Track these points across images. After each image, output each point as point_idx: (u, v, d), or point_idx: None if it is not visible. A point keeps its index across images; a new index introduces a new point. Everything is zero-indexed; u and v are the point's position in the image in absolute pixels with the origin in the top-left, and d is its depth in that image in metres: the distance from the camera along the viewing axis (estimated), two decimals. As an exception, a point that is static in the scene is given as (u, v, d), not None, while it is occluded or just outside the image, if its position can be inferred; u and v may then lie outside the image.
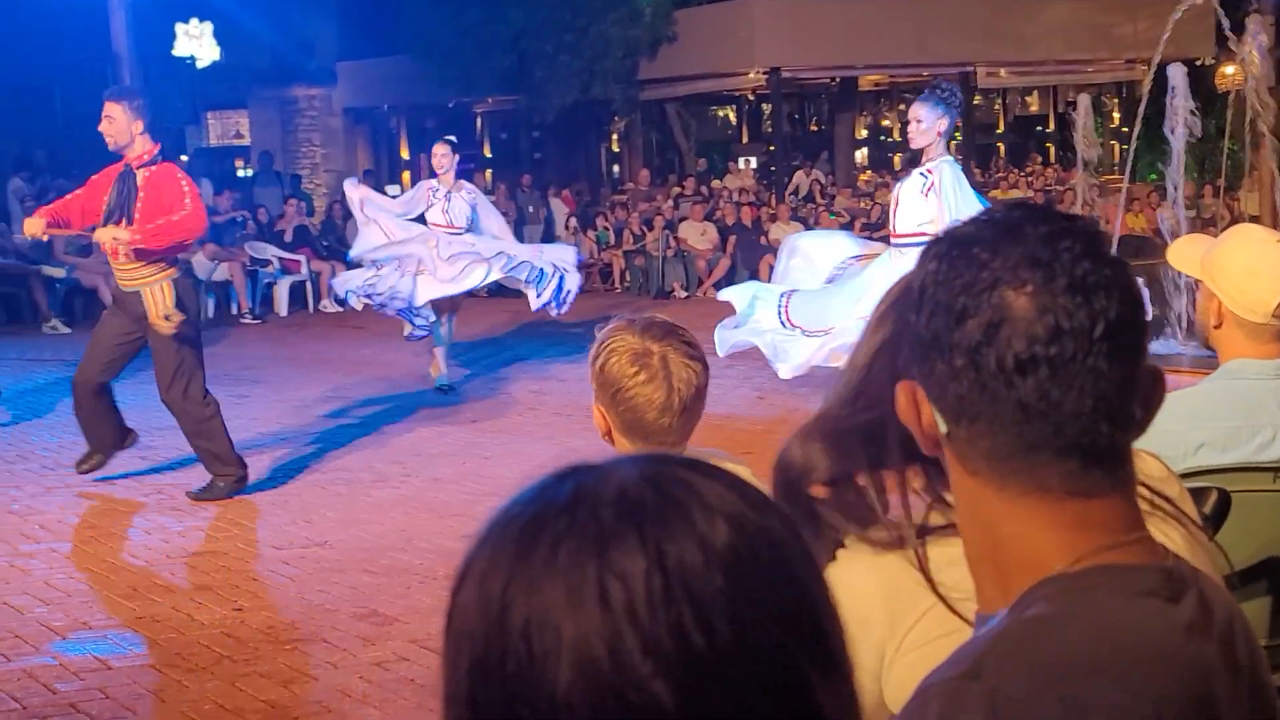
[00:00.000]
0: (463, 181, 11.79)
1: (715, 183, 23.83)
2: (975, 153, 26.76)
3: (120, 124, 7.86)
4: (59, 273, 16.67)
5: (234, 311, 17.59)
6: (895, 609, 1.68)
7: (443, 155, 11.59)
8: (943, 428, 1.25)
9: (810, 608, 0.91)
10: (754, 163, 26.76)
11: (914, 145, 7.87)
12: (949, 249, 1.24)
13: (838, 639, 0.92)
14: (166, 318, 7.78)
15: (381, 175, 27.86)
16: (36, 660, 5.42)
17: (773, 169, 24.69)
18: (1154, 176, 20.81)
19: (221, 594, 6.16)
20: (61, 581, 6.41)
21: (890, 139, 31.17)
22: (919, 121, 7.70)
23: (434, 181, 11.62)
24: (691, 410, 2.68)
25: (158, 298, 7.78)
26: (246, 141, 27.23)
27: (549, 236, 21.81)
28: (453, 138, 12.30)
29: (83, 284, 16.91)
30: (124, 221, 7.84)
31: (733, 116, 30.56)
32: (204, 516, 7.52)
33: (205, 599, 6.09)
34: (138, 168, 7.91)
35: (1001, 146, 29.40)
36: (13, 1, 17.01)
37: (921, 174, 7.83)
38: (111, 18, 17.15)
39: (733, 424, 9.28)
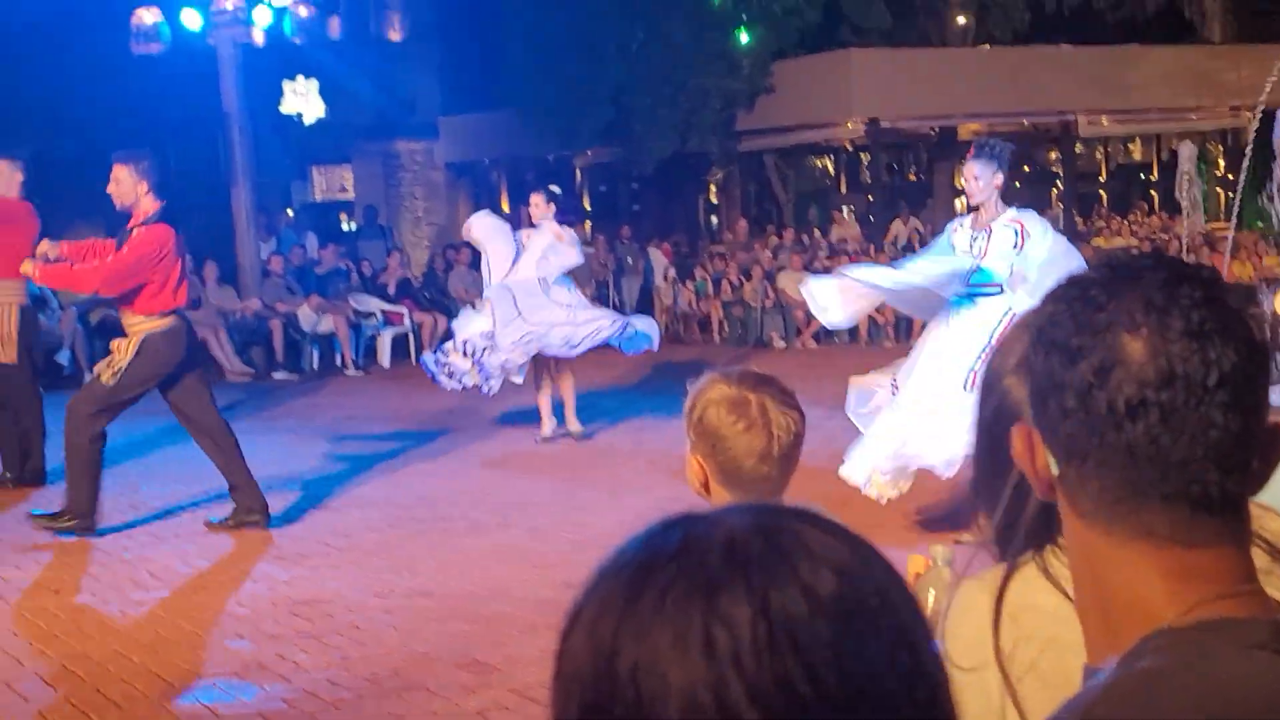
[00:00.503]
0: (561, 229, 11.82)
1: (816, 233, 23.84)
2: (1077, 201, 26.57)
3: (126, 186, 8.23)
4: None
5: (337, 363, 17.85)
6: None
7: (537, 205, 11.70)
8: (1054, 469, 1.25)
9: (916, 659, 0.91)
10: (848, 213, 26.76)
11: (974, 201, 7.95)
12: (1068, 291, 1.24)
13: (944, 690, 0.93)
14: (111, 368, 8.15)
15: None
16: (147, 708, 5.53)
17: (871, 218, 24.68)
18: (1259, 224, 20.53)
19: (326, 642, 6.26)
20: (170, 630, 6.54)
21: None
22: (976, 178, 7.80)
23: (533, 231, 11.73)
24: (790, 457, 2.69)
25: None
26: (351, 196, 27.69)
27: (647, 287, 21.96)
28: (555, 188, 12.40)
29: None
30: None
31: (831, 167, 30.60)
32: (309, 565, 7.65)
33: (310, 647, 6.19)
34: (135, 226, 8.25)
35: (1104, 194, 29.14)
36: (126, 63, 17.47)
37: (1012, 229, 7.84)
38: (221, 77, 17.58)
39: (830, 478, 9.26)
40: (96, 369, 8.44)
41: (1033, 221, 7.89)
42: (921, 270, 8.16)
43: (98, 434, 8.30)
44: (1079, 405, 1.20)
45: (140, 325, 8.30)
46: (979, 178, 7.76)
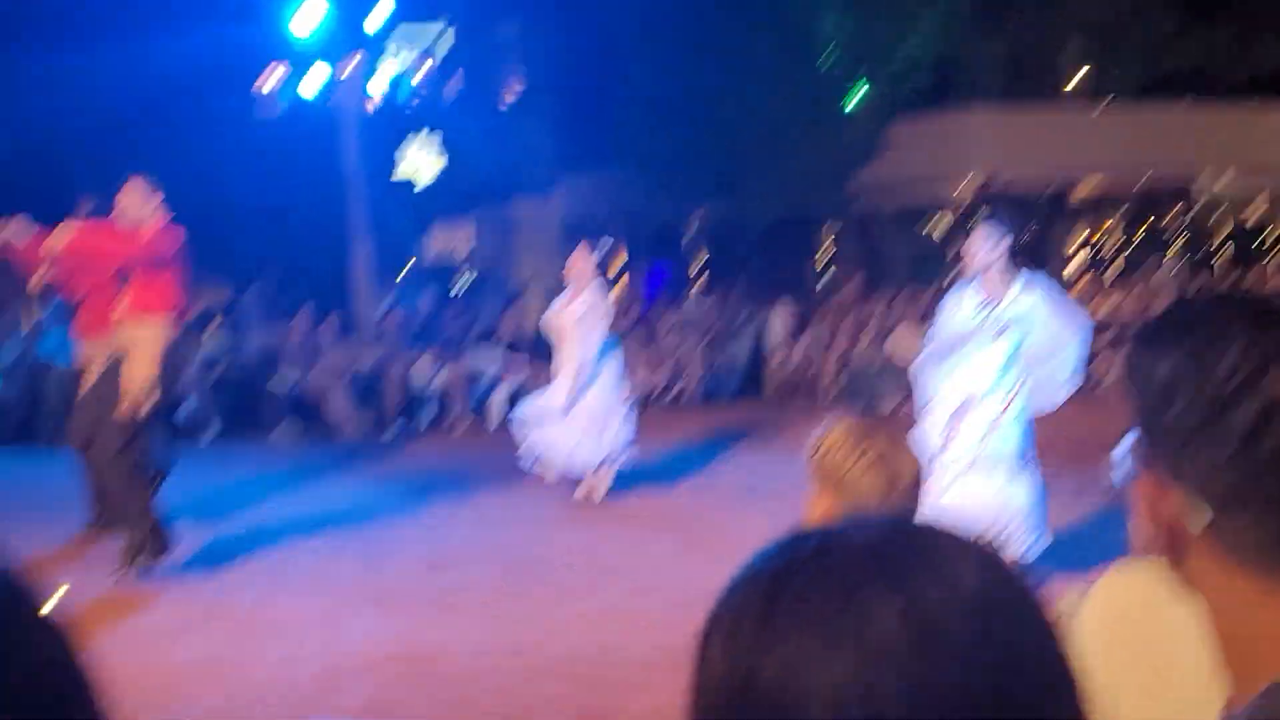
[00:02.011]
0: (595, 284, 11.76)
1: (929, 292, 23.68)
2: (1195, 260, 26.16)
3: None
4: (288, 381, 17.33)
5: (452, 418, 18.04)
6: None
7: (575, 259, 11.72)
8: (1204, 518, 1.20)
9: (1055, 659, 0.92)
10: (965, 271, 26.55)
11: (977, 264, 8.02)
12: (1185, 335, 1.20)
13: (1081, 694, 0.92)
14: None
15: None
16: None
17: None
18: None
19: (436, 696, 6.35)
20: (286, 678, 6.66)
21: (1107, 246, 30.70)
22: (985, 241, 7.95)
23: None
24: (913, 496, 2.76)
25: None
26: (468, 253, 28.05)
27: (759, 344, 21.95)
28: (605, 241, 12.47)
29: (310, 391, 17.57)
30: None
31: (945, 226, 30.41)
32: (418, 620, 7.74)
33: (418, 700, 6.28)
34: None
35: (1223, 253, 28.66)
36: (252, 124, 17.94)
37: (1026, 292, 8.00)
38: (342, 138, 17.99)
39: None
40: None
41: (1038, 294, 8.06)
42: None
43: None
44: (1239, 452, 1.16)
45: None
46: (987, 240, 7.94)
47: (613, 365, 11.61)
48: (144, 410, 8.47)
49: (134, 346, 8.48)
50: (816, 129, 22.73)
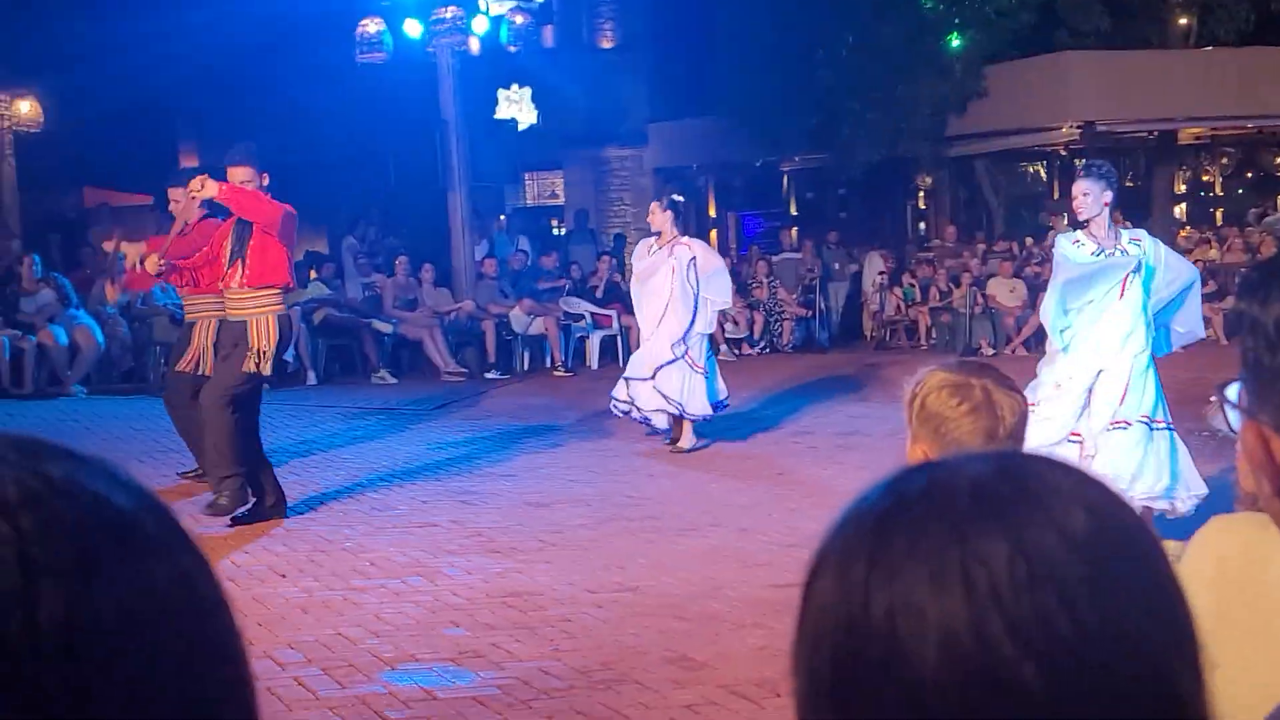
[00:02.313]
0: (684, 238, 11.69)
1: (1028, 240, 23.40)
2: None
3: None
4: (386, 327, 17.53)
5: (547, 364, 18.17)
6: None
7: (654, 213, 11.65)
8: None
9: (1169, 599, 0.91)
10: (1066, 219, 26.20)
11: (1082, 217, 7.85)
12: None
13: (1196, 635, 0.92)
14: (262, 352, 8.52)
15: (690, 233, 28.34)
16: (368, 689, 5.74)
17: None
18: None
19: (538, 633, 6.42)
20: (391, 615, 6.77)
21: (1212, 194, 30.12)
22: (1086, 195, 7.75)
23: (652, 241, 11.68)
24: (1016, 438, 2.71)
25: (262, 330, 8.37)
26: (561, 201, 28.11)
27: (855, 292, 21.87)
28: (678, 196, 12.37)
29: (408, 337, 17.76)
30: (239, 264, 8.65)
31: (1043, 172, 30.02)
32: (520, 559, 7.83)
33: (522, 637, 6.35)
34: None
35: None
36: (350, 73, 18.06)
37: (1133, 243, 7.84)
38: (440, 85, 18.05)
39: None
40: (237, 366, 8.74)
41: (1148, 239, 7.95)
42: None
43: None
44: None
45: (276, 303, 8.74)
46: (1088, 194, 7.76)
47: (703, 314, 11.55)
48: (258, 371, 8.64)
49: (252, 314, 8.63)
50: (913, 74, 22.44)
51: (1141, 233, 8.02)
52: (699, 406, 11.32)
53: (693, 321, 11.35)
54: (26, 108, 19.68)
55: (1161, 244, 8.04)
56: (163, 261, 9.34)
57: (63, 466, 0.73)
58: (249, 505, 8.68)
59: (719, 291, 11.59)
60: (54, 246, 19.12)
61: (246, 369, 8.54)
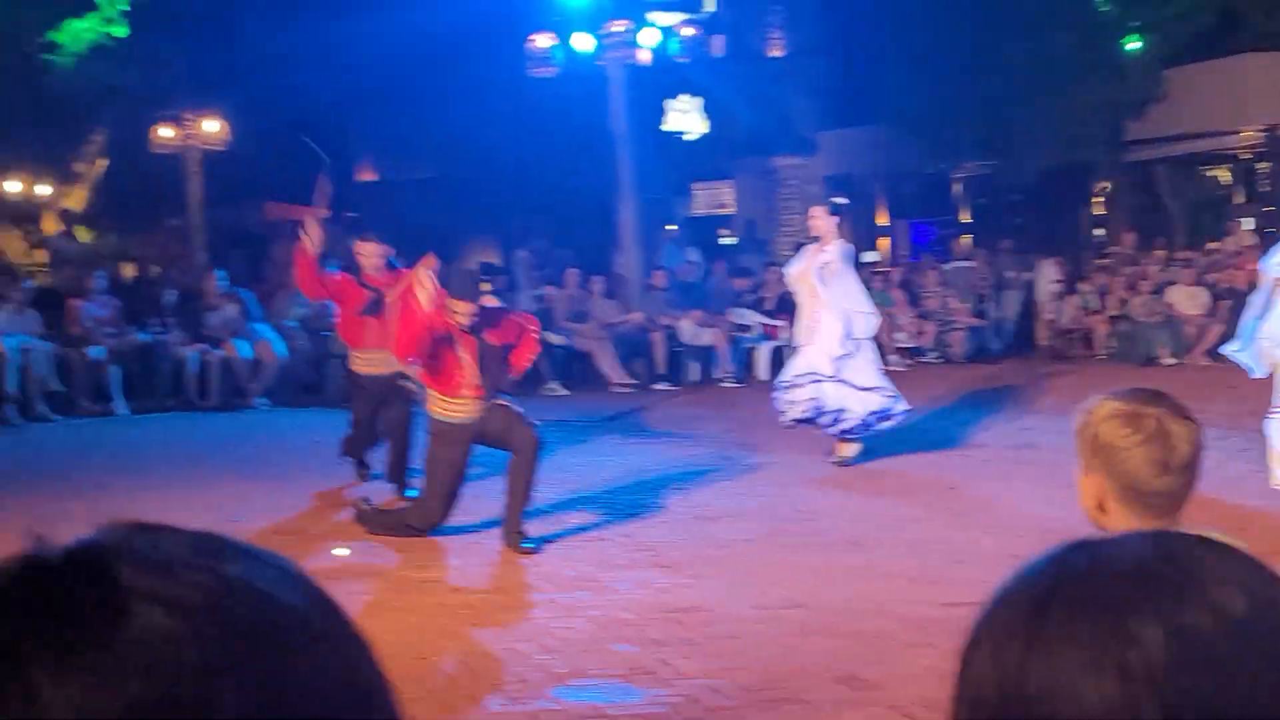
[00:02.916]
0: (832, 243, 11.46)
1: (1211, 244, 22.74)
2: None
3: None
4: (558, 339, 17.72)
5: (716, 376, 18.19)
6: None
7: (816, 217, 11.54)
8: None
9: None
10: (1251, 224, 25.43)
11: None
12: None
13: None
14: None
15: (860, 242, 28.15)
16: (539, 704, 5.81)
17: (1270, 231, 23.40)
18: None
19: (706, 650, 6.43)
20: (561, 630, 6.85)
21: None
22: None
23: (811, 247, 11.55)
24: (1191, 468, 2.64)
25: None
26: (730, 210, 28.12)
27: (1029, 300, 21.49)
28: (841, 199, 12.23)
29: (578, 349, 17.93)
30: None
31: (1225, 177, 29.17)
32: (688, 574, 7.85)
33: (691, 654, 6.37)
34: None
35: None
36: (521, 86, 18.32)
37: None
38: (610, 97, 18.21)
39: (1224, 502, 8.90)
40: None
41: None
42: None
43: None
44: None
45: None
46: None
47: (865, 324, 11.45)
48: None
49: None
50: (1088, 77, 22.01)
51: None
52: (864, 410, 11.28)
53: (847, 334, 11.25)
54: (213, 127, 20.34)
55: None
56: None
57: (238, 566, 0.77)
58: None
59: (854, 299, 11.46)
60: (237, 261, 19.71)
61: None
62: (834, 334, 11.19)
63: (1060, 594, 0.91)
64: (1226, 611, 0.88)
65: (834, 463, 11.36)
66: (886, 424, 11.33)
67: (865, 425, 11.24)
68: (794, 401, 11.36)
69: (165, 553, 0.76)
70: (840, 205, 11.87)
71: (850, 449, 11.37)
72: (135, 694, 0.69)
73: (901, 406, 11.39)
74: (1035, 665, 0.88)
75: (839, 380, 11.10)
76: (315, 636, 0.77)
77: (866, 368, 11.26)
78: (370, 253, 10.41)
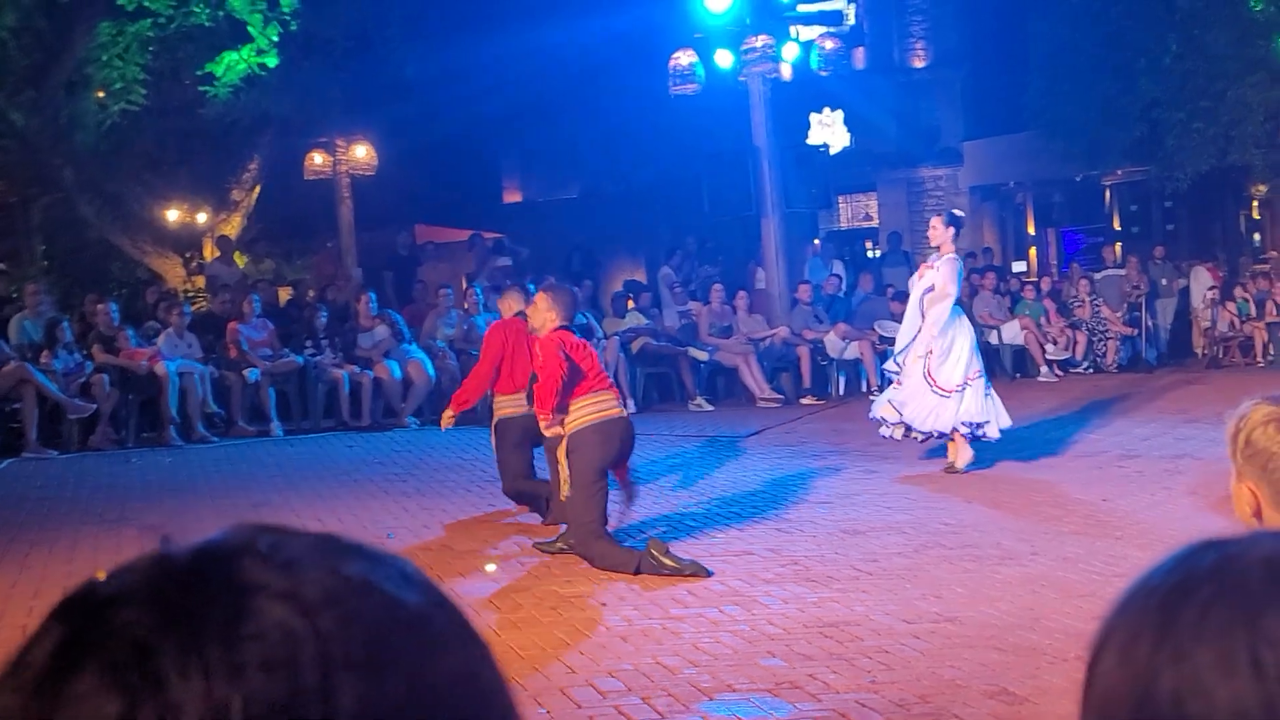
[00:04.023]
0: (941, 259, 11.39)
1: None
2: None
3: (539, 310, 8.82)
4: (703, 354, 17.75)
5: (863, 389, 18.08)
6: None
7: (935, 228, 11.47)
8: None
9: None
10: None
11: None
12: None
13: None
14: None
15: (1008, 252, 27.80)
16: (686, 718, 5.83)
17: None
18: None
19: (855, 664, 6.39)
20: (708, 644, 6.85)
21: None
22: None
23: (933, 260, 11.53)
24: None
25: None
26: (875, 223, 27.95)
27: (1184, 308, 21.03)
28: (959, 211, 12.13)
29: (724, 364, 17.94)
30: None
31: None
32: (837, 589, 7.81)
33: (839, 668, 6.33)
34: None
35: None
36: (664, 103, 18.41)
37: None
38: (753, 113, 18.21)
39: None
40: None
41: None
42: None
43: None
44: None
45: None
46: None
47: (964, 335, 11.36)
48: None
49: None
50: (1244, 77, 21.48)
51: None
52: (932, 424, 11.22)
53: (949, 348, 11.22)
54: (361, 152, 20.74)
55: None
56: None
57: (359, 566, 0.79)
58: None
59: (934, 320, 11.31)
60: (387, 284, 20.06)
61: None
62: (919, 350, 11.19)
63: (1189, 592, 0.90)
64: None
65: (946, 471, 11.35)
66: (968, 434, 11.25)
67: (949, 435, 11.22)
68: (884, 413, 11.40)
69: (288, 552, 0.78)
70: (958, 216, 11.77)
71: (963, 457, 11.29)
72: (258, 687, 0.71)
73: (996, 428, 11.29)
74: (1165, 665, 0.87)
75: (937, 392, 11.10)
76: (434, 637, 0.79)
77: (942, 384, 11.21)
78: (509, 306, 10.55)
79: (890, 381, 11.76)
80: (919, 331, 11.32)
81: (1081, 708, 0.94)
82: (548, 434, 8.72)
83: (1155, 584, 0.92)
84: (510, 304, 10.52)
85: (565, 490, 8.58)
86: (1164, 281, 21.24)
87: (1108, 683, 0.91)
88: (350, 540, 0.82)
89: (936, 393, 11.21)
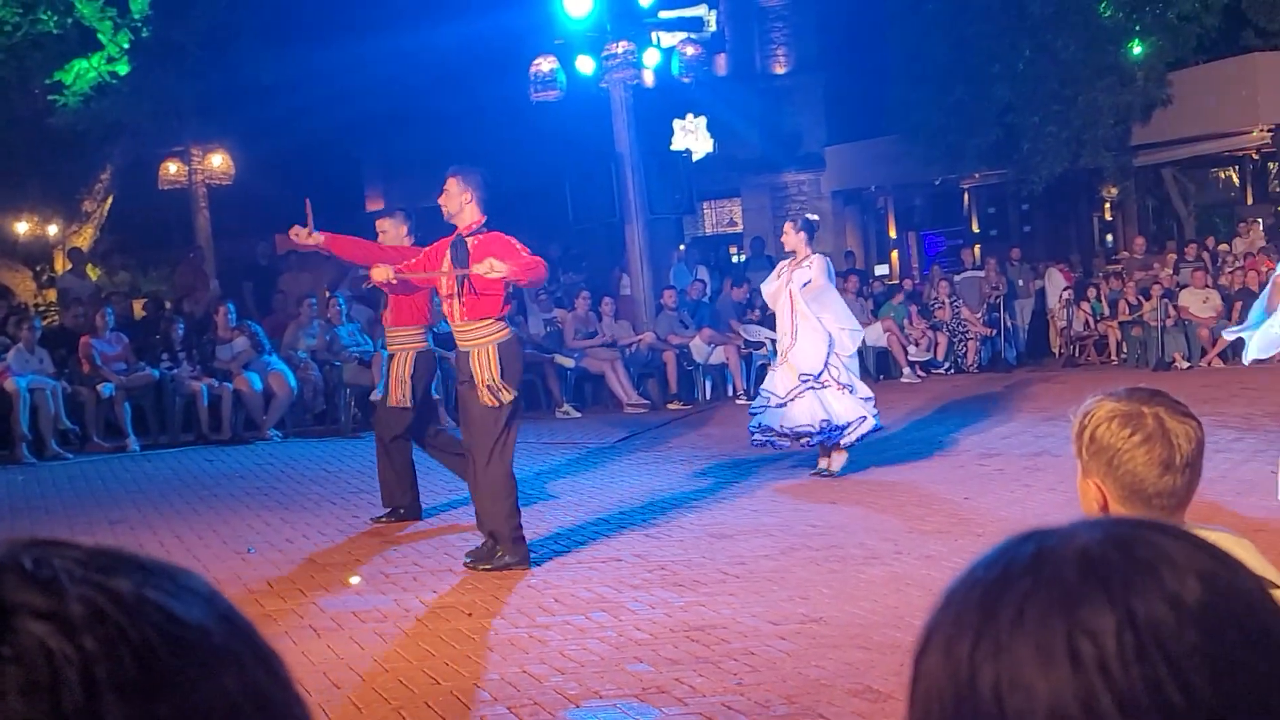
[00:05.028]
0: (809, 258, 11.44)
1: (1222, 247, 22.65)
2: None
3: (452, 195, 8.48)
4: (569, 361, 17.70)
5: (729, 393, 18.15)
6: None
7: (788, 234, 11.56)
8: None
9: None
10: (1255, 225, 25.35)
11: None
12: None
13: None
14: (489, 387, 8.28)
15: (871, 255, 28.15)
16: (554, 725, 5.77)
17: (1282, 230, 23.33)
18: None
19: (721, 667, 6.38)
20: (575, 652, 6.80)
21: None
22: None
23: (785, 263, 11.61)
24: (1194, 466, 2.59)
25: (483, 362, 8.35)
26: (739, 228, 28.13)
27: (1041, 309, 21.44)
28: (813, 216, 12.29)
29: (590, 371, 17.89)
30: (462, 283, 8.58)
31: (1235, 177, 29.12)
32: (704, 592, 7.80)
33: (706, 672, 6.32)
34: (466, 235, 8.59)
35: None
36: (526, 109, 18.32)
37: None
38: (615, 119, 18.20)
39: (1237, 504, 8.83)
40: (477, 397, 8.60)
41: None
42: None
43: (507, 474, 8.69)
44: None
45: (496, 332, 8.62)
46: None
47: (851, 340, 11.45)
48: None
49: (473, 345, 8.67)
50: (1095, 82, 21.99)
51: None
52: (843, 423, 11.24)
53: (830, 350, 11.25)
54: (218, 160, 20.38)
55: None
56: (396, 277, 9.31)
57: (132, 580, 0.74)
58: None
59: (839, 316, 11.42)
60: (246, 294, 19.72)
61: (484, 402, 8.59)
62: (815, 350, 11.19)
63: (1008, 585, 0.89)
64: (1182, 599, 0.85)
65: (816, 474, 11.37)
66: (855, 436, 11.28)
67: (828, 436, 11.22)
68: (769, 421, 11.38)
69: (53, 568, 0.73)
70: (812, 221, 11.87)
71: (837, 460, 11.36)
72: (18, 713, 0.66)
73: (869, 424, 11.33)
74: (985, 659, 0.86)
75: (816, 392, 11.13)
76: (215, 653, 0.74)
77: (846, 381, 11.25)
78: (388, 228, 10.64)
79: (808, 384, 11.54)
80: (829, 337, 11.27)
81: (908, 705, 0.93)
82: None
83: (977, 578, 0.92)
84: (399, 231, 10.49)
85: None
86: (1021, 283, 21.63)
87: (931, 679, 0.90)
88: (126, 552, 0.77)
89: (845, 386, 11.25)
